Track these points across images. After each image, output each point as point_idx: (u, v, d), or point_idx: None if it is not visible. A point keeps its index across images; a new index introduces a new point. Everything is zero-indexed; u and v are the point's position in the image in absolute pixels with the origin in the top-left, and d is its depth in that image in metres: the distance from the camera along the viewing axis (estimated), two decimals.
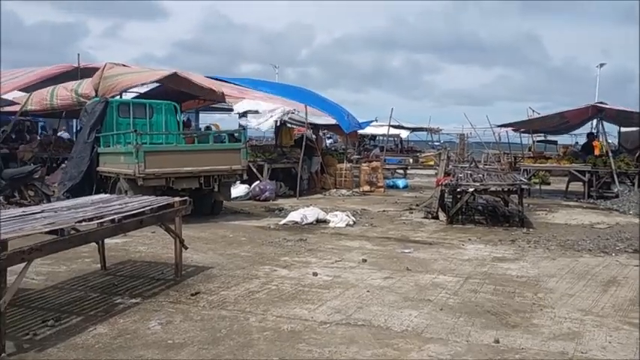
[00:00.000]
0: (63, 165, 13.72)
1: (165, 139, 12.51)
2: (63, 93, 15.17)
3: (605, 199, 15.27)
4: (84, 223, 5.08)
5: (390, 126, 26.38)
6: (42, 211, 5.48)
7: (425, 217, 11.79)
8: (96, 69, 16.65)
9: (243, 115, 16.43)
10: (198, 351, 4.32)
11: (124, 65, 16.15)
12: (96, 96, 12.87)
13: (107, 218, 5.35)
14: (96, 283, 6.19)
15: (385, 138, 28.35)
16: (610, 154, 16.19)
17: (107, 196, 7.34)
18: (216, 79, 17.84)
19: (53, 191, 12.08)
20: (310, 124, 17.70)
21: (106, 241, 6.79)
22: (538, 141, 28.87)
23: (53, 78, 18.37)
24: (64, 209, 5.67)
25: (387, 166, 22.39)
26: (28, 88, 17.30)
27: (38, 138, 18.45)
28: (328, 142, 30.60)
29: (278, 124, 18.26)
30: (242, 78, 20.56)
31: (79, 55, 17.86)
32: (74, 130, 20.90)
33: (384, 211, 13.01)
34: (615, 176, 15.65)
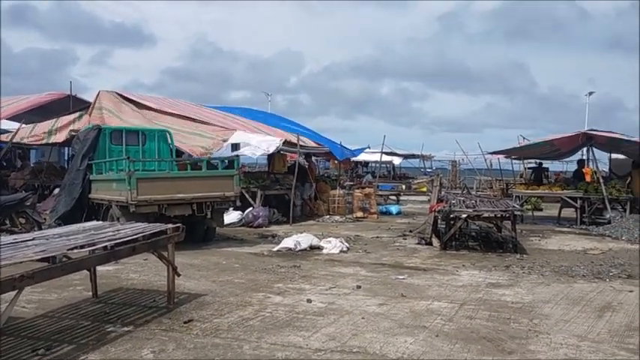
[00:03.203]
0: (55, 192, 13.65)
1: (158, 166, 12.50)
2: (60, 136, 15.22)
3: (597, 225, 15.34)
4: (75, 251, 5.04)
5: (382, 153, 26.47)
6: (33, 239, 5.43)
7: (418, 243, 11.78)
8: (86, 100, 16.84)
9: (236, 147, 16.46)
10: None
11: (117, 94, 16.28)
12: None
13: (99, 245, 5.31)
14: (87, 312, 6.11)
15: (378, 165, 28.41)
16: (601, 180, 16.30)
17: (99, 223, 7.29)
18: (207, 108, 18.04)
19: (45, 219, 12.00)
20: (305, 151, 17.75)
21: (98, 268, 6.73)
22: (529, 168, 29.03)
23: (44, 106, 18.43)
24: (56, 237, 5.63)
25: (380, 193, 22.42)
26: (19, 116, 17.34)
27: (30, 165, 18.39)
28: (321, 167, 30.65)
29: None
30: (233, 107, 20.67)
31: (71, 82, 17.97)
32: (65, 158, 20.87)
33: (377, 237, 12.99)
34: (607, 202, 15.74)
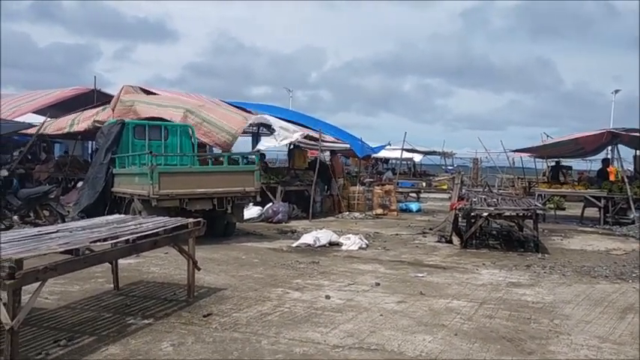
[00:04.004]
0: (79, 185, 13.85)
1: (180, 161, 12.59)
2: (82, 125, 15.45)
3: (621, 226, 15.10)
4: (98, 244, 5.11)
5: (403, 150, 26.34)
6: (57, 231, 5.51)
7: (438, 241, 11.71)
8: (110, 95, 17.04)
9: (257, 138, 16.60)
10: None
11: (141, 89, 16.41)
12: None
13: (122, 239, 5.38)
14: (109, 304, 6.19)
15: (398, 161, 28.30)
16: (626, 180, 16.05)
17: (122, 216, 7.38)
18: (229, 104, 18.08)
19: (68, 211, 12.18)
20: (325, 147, 17.74)
21: (120, 261, 6.81)
22: (552, 166, 28.69)
23: (69, 100, 18.70)
24: (79, 229, 5.70)
25: (400, 190, 22.32)
26: (44, 110, 17.63)
27: (55, 158, 18.67)
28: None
29: (291, 146, 18.33)
30: (253, 103, 20.68)
31: (95, 77, 18.37)
32: (89, 152, 21.14)
33: (397, 234, 12.95)
34: (631, 202, 15.48)
